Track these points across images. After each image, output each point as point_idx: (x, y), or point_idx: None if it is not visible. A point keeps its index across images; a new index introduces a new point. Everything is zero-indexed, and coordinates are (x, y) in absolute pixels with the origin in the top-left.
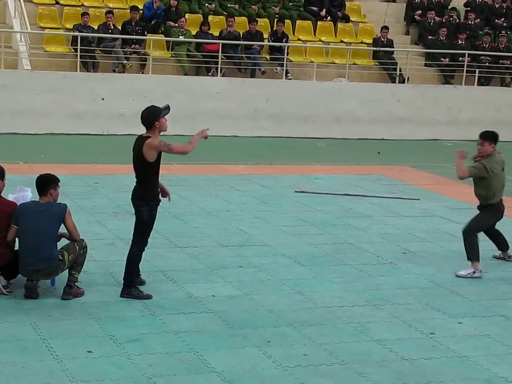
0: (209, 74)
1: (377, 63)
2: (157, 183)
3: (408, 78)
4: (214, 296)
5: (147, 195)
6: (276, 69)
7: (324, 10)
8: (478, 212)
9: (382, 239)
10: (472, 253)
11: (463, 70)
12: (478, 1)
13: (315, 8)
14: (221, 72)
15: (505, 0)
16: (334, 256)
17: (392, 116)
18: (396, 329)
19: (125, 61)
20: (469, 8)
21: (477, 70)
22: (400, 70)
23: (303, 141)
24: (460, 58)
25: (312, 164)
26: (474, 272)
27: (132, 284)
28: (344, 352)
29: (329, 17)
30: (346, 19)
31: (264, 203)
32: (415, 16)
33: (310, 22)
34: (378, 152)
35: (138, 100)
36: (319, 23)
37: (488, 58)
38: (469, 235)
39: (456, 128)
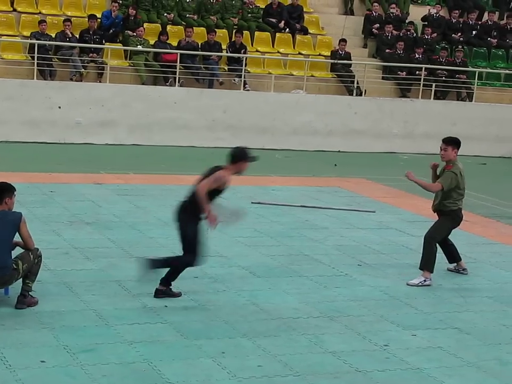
0: (167, 84)
1: (335, 76)
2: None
3: (365, 90)
4: (167, 306)
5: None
6: (234, 80)
7: (283, 22)
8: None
9: (337, 251)
10: (428, 262)
11: (419, 83)
12: (435, 16)
13: (274, 20)
14: (178, 82)
15: (462, 15)
16: (290, 267)
17: (349, 128)
18: (350, 341)
19: (82, 70)
20: (426, 23)
21: (434, 84)
22: (357, 83)
23: (260, 152)
24: (417, 72)
25: (269, 175)
26: (425, 281)
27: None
28: (298, 364)
29: (287, 29)
30: (304, 31)
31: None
32: (373, 29)
33: (269, 33)
34: (335, 164)
35: (95, 109)
36: (277, 34)
37: (445, 72)
38: (430, 244)
39: (412, 141)
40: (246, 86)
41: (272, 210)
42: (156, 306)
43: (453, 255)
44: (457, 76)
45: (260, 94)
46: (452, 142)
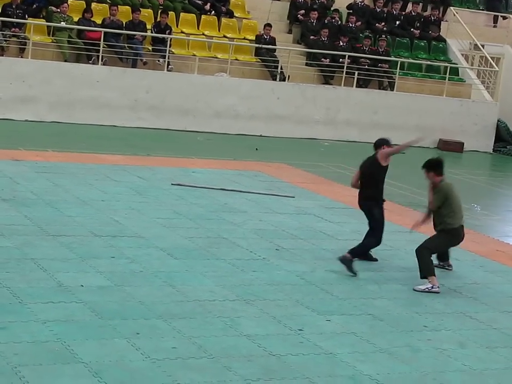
0: (90, 62)
1: (259, 60)
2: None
3: (288, 76)
4: (84, 286)
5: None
6: (158, 61)
7: (208, 4)
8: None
9: (255, 235)
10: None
11: (342, 71)
12: (360, 4)
13: (199, 2)
14: (102, 60)
15: (386, 5)
16: (208, 250)
17: (272, 113)
18: (265, 324)
19: (4, 43)
20: (351, 11)
21: (356, 72)
22: (281, 68)
23: (182, 133)
24: (340, 60)
25: (190, 157)
26: (432, 287)
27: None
28: (213, 346)
29: (213, 12)
30: (230, 14)
31: (140, 194)
32: (298, 15)
33: (194, 15)
34: (256, 149)
35: (16, 84)
36: (203, 17)
37: (368, 61)
38: (420, 252)
39: (333, 128)
40: (170, 67)
41: (191, 192)
42: (71, 286)
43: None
44: (379, 65)
45: (183, 75)
46: (428, 167)
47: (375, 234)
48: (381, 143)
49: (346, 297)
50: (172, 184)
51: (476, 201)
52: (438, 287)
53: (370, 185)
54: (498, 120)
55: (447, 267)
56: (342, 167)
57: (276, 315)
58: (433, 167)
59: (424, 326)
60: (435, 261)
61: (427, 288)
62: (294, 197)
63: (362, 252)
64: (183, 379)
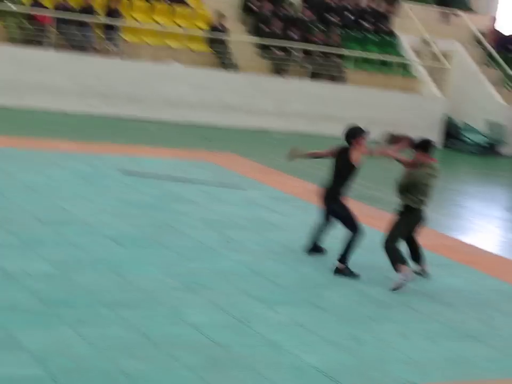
0: (40, 46)
1: (212, 50)
2: None
3: (241, 67)
4: (29, 273)
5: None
6: (109, 47)
7: None
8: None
9: (204, 224)
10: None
11: (294, 63)
12: None
13: None
14: (52, 45)
15: None
16: (155, 239)
17: (223, 103)
18: (211, 314)
19: None
20: (305, 3)
21: (308, 64)
22: (234, 59)
23: (132, 122)
24: (293, 52)
25: (140, 146)
26: (406, 277)
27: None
28: (158, 335)
29: (167, 0)
30: (184, 3)
31: (88, 182)
32: (252, 6)
33: (147, 2)
34: (207, 138)
35: None
36: (156, 4)
37: (320, 53)
38: (386, 247)
39: (285, 119)
40: (121, 54)
41: (140, 181)
42: (16, 273)
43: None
44: (331, 57)
45: (135, 63)
46: (417, 146)
47: (352, 229)
48: (356, 133)
49: (294, 288)
50: (121, 172)
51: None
52: (409, 275)
53: (337, 180)
54: (447, 116)
55: (422, 274)
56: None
57: (222, 305)
58: (423, 147)
59: (369, 316)
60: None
61: (401, 281)
62: (244, 188)
63: (348, 252)
64: (128, 367)
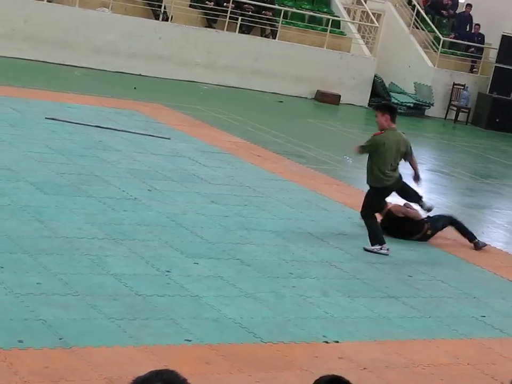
0: None
1: None
2: None
3: (172, 17)
4: None
5: None
6: None
7: None
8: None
9: (129, 174)
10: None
11: (226, 16)
12: None
13: None
14: None
15: None
16: (79, 187)
17: (152, 53)
18: (133, 264)
19: None
20: None
21: (240, 18)
22: (165, 8)
23: (59, 67)
24: (224, 4)
25: (66, 92)
26: (381, 249)
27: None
28: (78, 284)
29: None
30: None
31: (12, 126)
32: None
33: None
34: (135, 88)
35: None
36: None
37: (252, 7)
38: (364, 219)
39: (213, 72)
40: None
41: (66, 127)
42: None
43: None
44: (263, 12)
45: (64, 7)
46: (379, 107)
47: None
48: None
49: (216, 241)
50: (46, 118)
51: (349, 154)
52: (388, 249)
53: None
54: (375, 76)
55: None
56: (220, 111)
57: (144, 255)
58: (388, 109)
59: (290, 273)
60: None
61: (376, 249)
62: (169, 139)
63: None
64: (46, 315)
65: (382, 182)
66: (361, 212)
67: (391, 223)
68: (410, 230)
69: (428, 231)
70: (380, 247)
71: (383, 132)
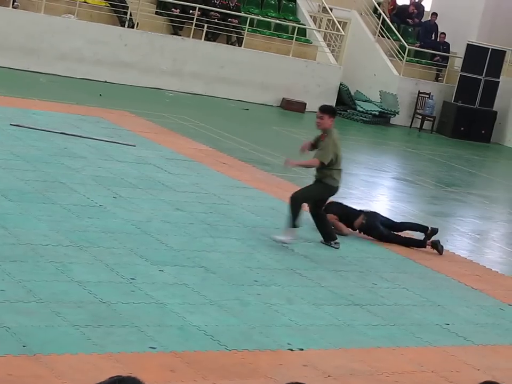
0: None
1: (108, 5)
2: None
3: (137, 23)
4: None
5: None
6: None
7: None
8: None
9: (93, 181)
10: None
11: (192, 23)
12: None
13: None
14: None
15: None
16: (44, 194)
17: (118, 60)
18: (98, 271)
19: None
20: None
21: (206, 25)
22: (130, 15)
23: (24, 73)
24: (190, 11)
25: (31, 99)
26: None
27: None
28: (43, 291)
29: None
30: None
31: None
32: None
33: None
34: (100, 94)
35: None
36: None
37: (218, 15)
38: (294, 201)
39: (179, 79)
40: (16, 3)
41: (31, 134)
42: None
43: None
44: (229, 19)
45: (29, 14)
46: (328, 110)
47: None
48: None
49: (181, 248)
50: (11, 124)
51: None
52: (291, 239)
53: None
54: (340, 84)
55: (333, 245)
56: (186, 119)
57: (108, 263)
58: (335, 112)
59: (255, 280)
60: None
61: (284, 239)
62: (135, 146)
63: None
64: (10, 322)
65: (337, 182)
66: (296, 196)
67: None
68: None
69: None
70: (290, 238)
71: (326, 134)
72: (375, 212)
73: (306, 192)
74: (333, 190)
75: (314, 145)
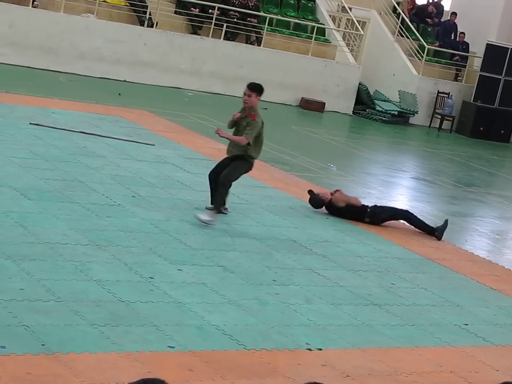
0: None
1: (128, 4)
2: None
3: (157, 23)
4: None
5: None
6: None
7: None
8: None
9: (113, 180)
10: (220, 202)
11: (211, 22)
12: None
13: None
14: None
15: None
16: (63, 193)
17: (137, 59)
18: (117, 270)
19: None
20: None
21: (225, 25)
22: (149, 14)
23: (44, 73)
24: (210, 11)
25: (51, 98)
26: (212, 220)
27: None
28: (61, 290)
29: None
30: None
31: None
32: None
33: None
34: (119, 94)
35: None
36: None
37: (237, 14)
38: (225, 184)
39: (198, 79)
40: (35, 3)
41: (50, 133)
42: None
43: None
44: (248, 19)
45: (49, 13)
46: (257, 89)
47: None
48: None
49: (199, 247)
50: (31, 123)
51: (333, 161)
52: (214, 220)
53: None
54: (359, 83)
55: (224, 211)
56: (205, 118)
57: (127, 262)
58: (262, 91)
59: (273, 280)
60: (210, 206)
61: (208, 221)
62: (154, 145)
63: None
64: (29, 321)
65: (252, 157)
66: (226, 177)
67: (332, 213)
68: (350, 218)
69: (366, 219)
70: (212, 219)
71: (254, 113)
72: (378, 209)
73: (236, 173)
74: (252, 165)
75: (236, 122)
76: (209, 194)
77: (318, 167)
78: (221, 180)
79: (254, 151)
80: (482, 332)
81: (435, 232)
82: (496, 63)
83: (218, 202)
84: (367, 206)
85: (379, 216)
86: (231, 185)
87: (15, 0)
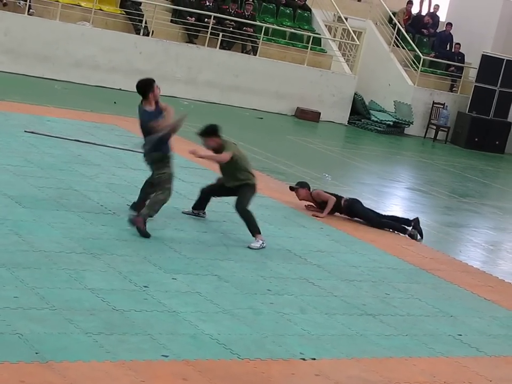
0: None
1: (124, 12)
2: None
3: (152, 31)
4: None
5: None
6: (19, 3)
7: None
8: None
9: (107, 189)
10: (254, 227)
11: (207, 31)
12: None
13: None
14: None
15: None
16: (57, 201)
17: (133, 68)
18: (111, 279)
19: None
20: None
21: (221, 34)
22: (145, 23)
23: (39, 80)
24: (206, 20)
25: (46, 106)
26: (263, 243)
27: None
28: (56, 298)
29: None
30: None
31: None
32: None
33: None
34: (115, 102)
35: None
36: None
37: (233, 23)
38: (245, 214)
39: (194, 88)
40: (31, 10)
41: (45, 141)
42: None
43: (203, 205)
44: (244, 28)
45: (44, 21)
46: (206, 133)
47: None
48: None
49: (194, 256)
50: (25, 131)
51: (327, 171)
52: (264, 240)
53: None
54: (355, 93)
55: (202, 214)
56: (200, 127)
57: (122, 270)
58: (215, 132)
59: (268, 289)
60: (187, 210)
61: (261, 245)
62: None
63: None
64: (23, 329)
65: (252, 179)
66: (241, 208)
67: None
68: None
69: (343, 212)
70: (262, 241)
71: (224, 147)
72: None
73: (246, 200)
74: (256, 186)
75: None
76: (195, 201)
77: (313, 177)
78: (240, 214)
79: (248, 176)
80: (476, 343)
81: (406, 233)
82: (491, 74)
83: (253, 229)
84: (346, 199)
85: (354, 211)
86: (249, 210)
87: (11, 8)
